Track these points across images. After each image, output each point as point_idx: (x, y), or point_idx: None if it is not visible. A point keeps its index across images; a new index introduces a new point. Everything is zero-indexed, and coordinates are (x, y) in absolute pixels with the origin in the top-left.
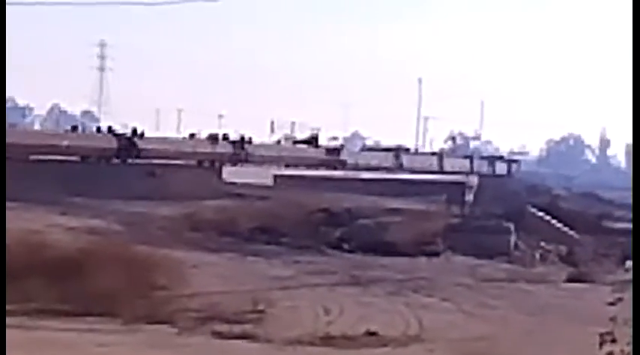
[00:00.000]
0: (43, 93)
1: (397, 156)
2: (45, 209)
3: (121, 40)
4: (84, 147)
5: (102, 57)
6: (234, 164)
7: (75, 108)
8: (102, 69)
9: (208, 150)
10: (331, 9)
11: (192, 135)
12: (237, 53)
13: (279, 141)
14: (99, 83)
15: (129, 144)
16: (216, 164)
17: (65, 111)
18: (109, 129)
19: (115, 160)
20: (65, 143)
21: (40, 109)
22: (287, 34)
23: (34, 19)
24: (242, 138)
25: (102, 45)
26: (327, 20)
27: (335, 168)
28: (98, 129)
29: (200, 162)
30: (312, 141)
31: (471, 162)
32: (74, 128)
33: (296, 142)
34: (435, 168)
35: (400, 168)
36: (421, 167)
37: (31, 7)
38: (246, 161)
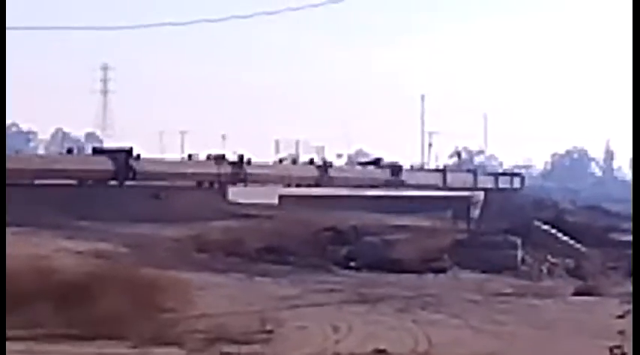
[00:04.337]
0: (46, 117)
1: (444, 175)
2: None
3: (123, 63)
4: (203, 173)
5: (104, 80)
6: (318, 185)
7: (79, 132)
8: (105, 92)
9: (298, 174)
10: (332, 26)
11: (281, 160)
12: (239, 74)
13: (352, 164)
14: (102, 106)
15: (238, 169)
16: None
17: (69, 135)
18: (222, 156)
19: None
20: (190, 171)
21: (44, 134)
22: (288, 53)
23: (34, 44)
24: (324, 163)
25: (104, 68)
26: (327, 37)
27: (396, 187)
28: (208, 157)
29: (289, 185)
30: (377, 162)
31: (496, 178)
32: (190, 156)
33: (361, 164)
34: (471, 185)
35: (445, 185)
36: (462, 184)
37: (33, 32)
38: (329, 184)
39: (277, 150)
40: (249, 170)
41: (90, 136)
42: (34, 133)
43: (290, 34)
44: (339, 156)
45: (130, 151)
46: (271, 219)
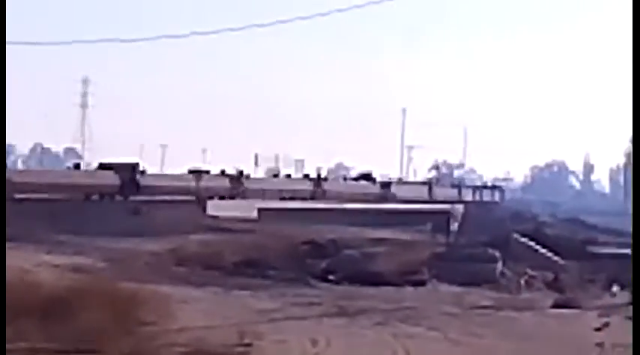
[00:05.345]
0: (24, 131)
1: (430, 188)
2: None
3: (102, 77)
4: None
5: (84, 94)
6: (313, 199)
7: (58, 147)
8: (84, 106)
9: (289, 187)
10: (313, 40)
11: (275, 175)
12: (217, 88)
13: (345, 178)
14: (81, 120)
15: (238, 183)
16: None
17: (48, 150)
18: (222, 172)
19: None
20: (193, 184)
21: (23, 148)
22: (266, 66)
23: (13, 58)
24: (319, 177)
25: (84, 81)
26: (308, 51)
27: (387, 200)
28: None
29: (283, 198)
30: (369, 176)
31: (478, 192)
32: (194, 172)
33: (354, 179)
34: (456, 198)
35: (431, 198)
36: (447, 197)
37: (12, 47)
38: (324, 197)
39: (256, 164)
40: (246, 184)
41: (69, 151)
42: (12, 147)
43: (266, 47)
44: (319, 169)
45: (135, 166)
46: (250, 232)
